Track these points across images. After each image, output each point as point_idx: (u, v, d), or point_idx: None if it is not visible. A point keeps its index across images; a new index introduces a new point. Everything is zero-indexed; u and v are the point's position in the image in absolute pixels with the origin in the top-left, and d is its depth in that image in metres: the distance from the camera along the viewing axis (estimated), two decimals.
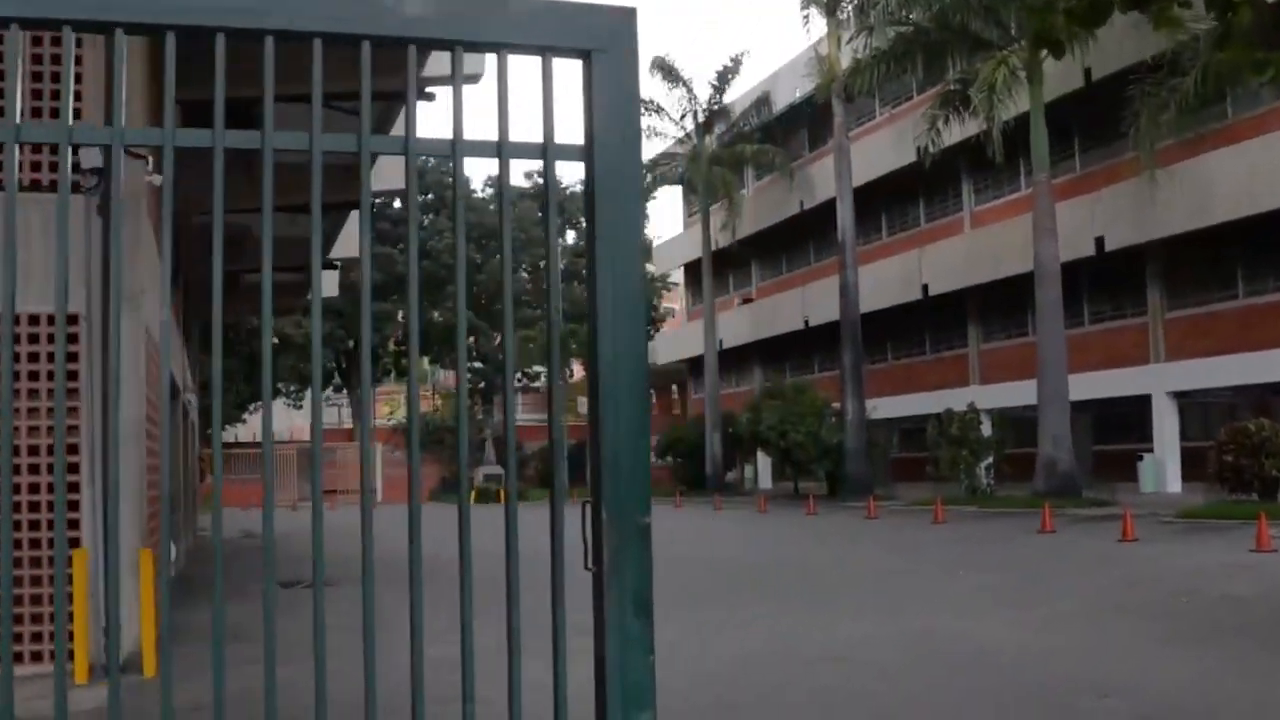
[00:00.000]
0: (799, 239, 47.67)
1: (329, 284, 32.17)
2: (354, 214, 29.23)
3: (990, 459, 30.13)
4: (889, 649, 9.64)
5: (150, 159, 9.62)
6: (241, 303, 32.70)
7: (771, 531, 25.43)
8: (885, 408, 38.05)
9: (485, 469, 49.46)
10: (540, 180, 68.48)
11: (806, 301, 44.53)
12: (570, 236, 68.24)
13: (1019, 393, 33.40)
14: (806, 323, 44.22)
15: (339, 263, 26.79)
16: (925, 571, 15.50)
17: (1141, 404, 31.60)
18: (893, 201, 41.86)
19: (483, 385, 67.99)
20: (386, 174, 19.66)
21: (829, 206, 42.81)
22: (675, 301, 74.31)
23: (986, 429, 30.87)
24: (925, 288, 37.55)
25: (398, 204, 64.22)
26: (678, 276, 71.90)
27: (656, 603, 2.84)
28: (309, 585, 2.95)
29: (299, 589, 15.46)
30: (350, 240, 28.07)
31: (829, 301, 42.44)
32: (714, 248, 46.43)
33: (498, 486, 46.50)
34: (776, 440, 35.72)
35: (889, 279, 39.51)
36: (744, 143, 43.78)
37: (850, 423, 35.00)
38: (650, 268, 67.75)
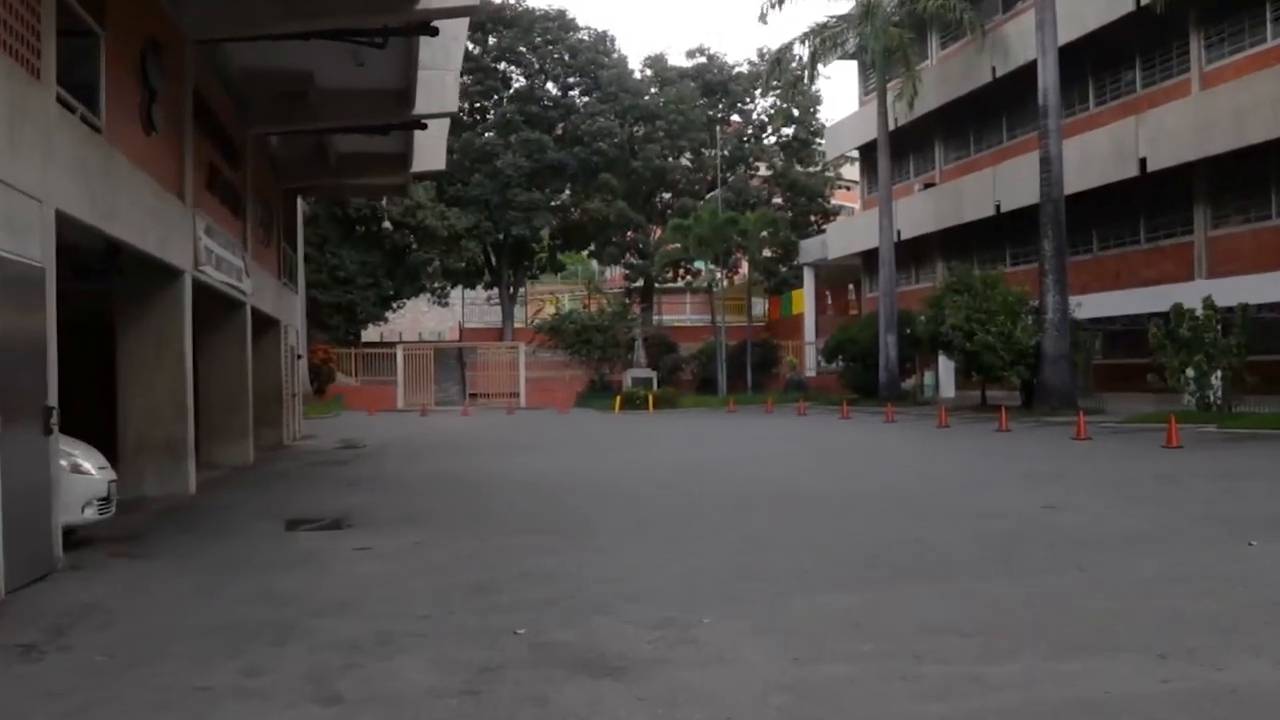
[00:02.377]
0: (990, 113, 41.66)
1: (434, 154, 28.08)
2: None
3: (1225, 367, 24.48)
4: None
5: None
6: (341, 176, 29.04)
7: (951, 454, 20.55)
8: (1089, 306, 32.33)
9: (634, 372, 45.30)
10: (705, 59, 63.85)
11: (998, 184, 38.70)
12: (735, 119, 63.20)
13: (1258, 287, 27.53)
14: (998, 208, 38.44)
15: (426, 123, 22.54)
16: (1211, 535, 10.45)
17: None
18: (1103, 63, 35.56)
19: (640, 282, 63.90)
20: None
21: (1026, 72, 36.73)
22: (852, 199, 68.65)
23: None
24: (1143, 162, 31.46)
25: (550, 85, 60.04)
26: (851, 169, 66.31)
27: None
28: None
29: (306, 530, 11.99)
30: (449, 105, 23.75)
31: (1025, 183, 36.55)
32: (892, 126, 40.74)
33: (646, 392, 42.33)
34: (962, 342, 30.46)
35: (1097, 154, 33.49)
36: None
37: (1050, 322, 29.52)
38: (820, 150, 62.45)
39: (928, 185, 45.67)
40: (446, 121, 28.26)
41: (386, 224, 49.83)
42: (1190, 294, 27.61)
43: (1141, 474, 15.71)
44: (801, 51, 40.15)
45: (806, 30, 39.76)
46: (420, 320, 76.33)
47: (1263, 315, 26.90)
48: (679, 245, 46.75)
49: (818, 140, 62.06)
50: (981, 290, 31.06)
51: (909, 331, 39.08)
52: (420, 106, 22.03)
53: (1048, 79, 29.98)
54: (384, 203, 47.71)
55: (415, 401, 48.01)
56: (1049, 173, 29.76)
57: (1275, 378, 25.66)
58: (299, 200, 33.07)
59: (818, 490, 14.59)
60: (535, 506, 13.92)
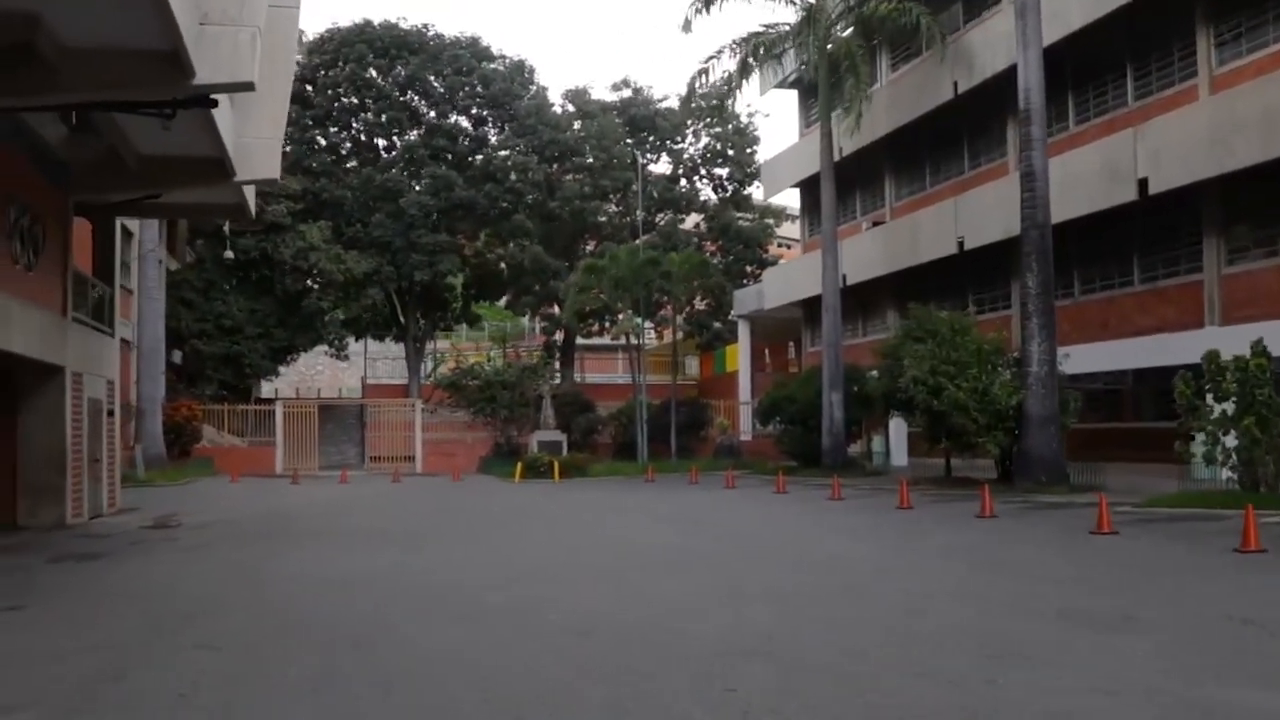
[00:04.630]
0: (949, 138, 36.26)
1: (266, 159, 21.94)
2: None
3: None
4: None
5: None
6: (149, 186, 22.76)
7: (938, 560, 14.37)
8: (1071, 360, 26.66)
9: (541, 434, 39.00)
10: (631, 93, 58.30)
11: (960, 217, 33.17)
12: (663, 161, 57.52)
13: None
14: (960, 245, 32.85)
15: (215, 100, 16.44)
16: None
17: None
18: (1088, 71, 30.19)
19: (559, 336, 57.85)
20: None
21: (994, 86, 31.63)
22: (792, 257, 63.09)
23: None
24: (1143, 183, 25.98)
25: (460, 119, 54.18)
26: (792, 227, 60.88)
27: None
28: None
29: None
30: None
31: (992, 214, 31.20)
32: (837, 157, 35.11)
33: (552, 458, 36.11)
34: (925, 400, 24.57)
35: (1084, 176, 27.99)
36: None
37: (1035, 376, 23.71)
38: (756, 194, 56.99)
39: (876, 224, 40.16)
40: (281, 117, 22.30)
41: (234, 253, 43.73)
42: (1197, 344, 22.09)
43: (1269, 615, 9.74)
44: (730, 65, 34.48)
45: (737, 39, 34.12)
46: (339, 376, 69.95)
47: None
48: (593, 290, 40.62)
49: (754, 183, 56.58)
50: (949, 337, 25.33)
51: (856, 389, 33.35)
52: (205, 75, 15.97)
53: (1030, 78, 24.39)
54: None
55: (301, 465, 41.65)
56: (1032, 192, 24.05)
57: None
58: (118, 223, 26.82)
59: (736, 673, 8.49)
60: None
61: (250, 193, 25.14)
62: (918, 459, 36.21)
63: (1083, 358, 27.11)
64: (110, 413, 24.09)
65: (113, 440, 24.05)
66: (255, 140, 21.34)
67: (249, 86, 16.02)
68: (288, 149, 50.48)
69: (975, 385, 23.94)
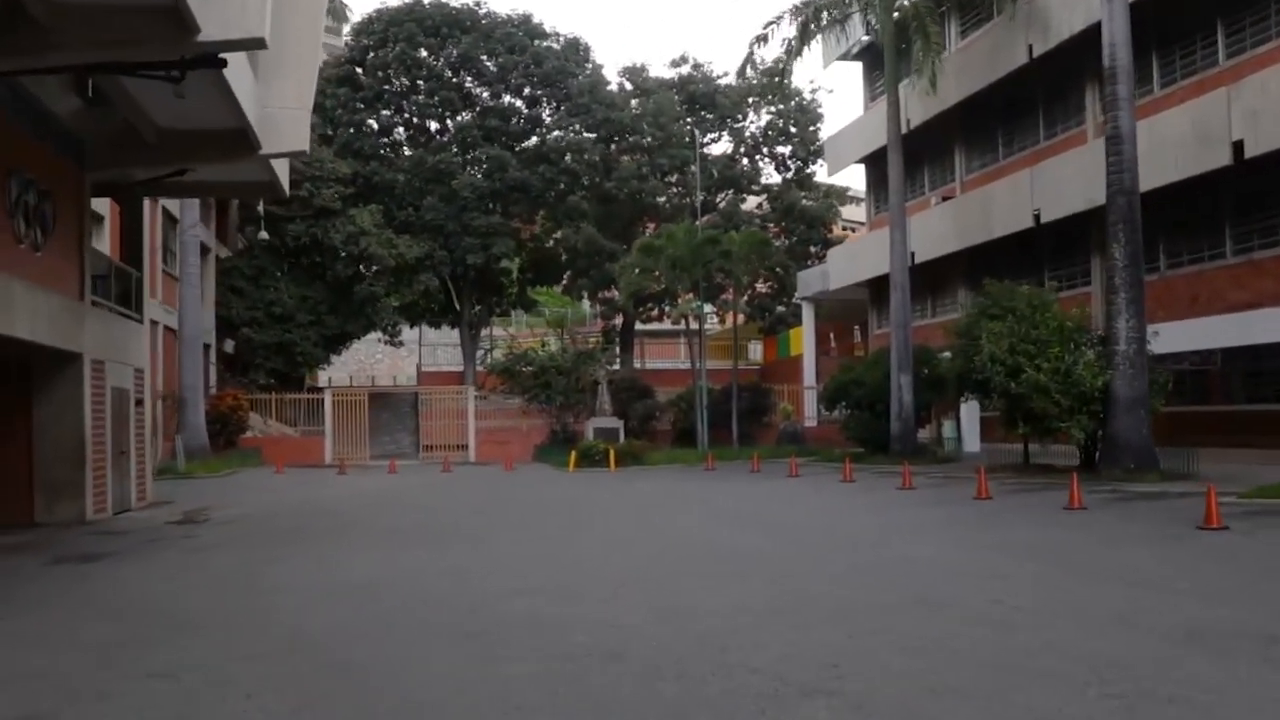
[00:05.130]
0: (1023, 106, 34.30)
1: (293, 131, 20.67)
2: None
3: None
4: None
5: None
6: (172, 161, 21.58)
7: (1037, 580, 12.85)
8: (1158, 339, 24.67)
9: (597, 421, 37.60)
10: (690, 69, 56.61)
11: (1037, 189, 31.26)
12: (724, 141, 55.74)
13: None
14: (1037, 218, 30.96)
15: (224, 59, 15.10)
16: None
17: None
18: (1175, 30, 28.18)
19: (618, 320, 56.46)
20: None
21: (1070, 48, 29.66)
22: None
23: None
24: (1238, 146, 24.02)
25: (513, 99, 52.81)
26: (857, 210, 59.00)
27: None
28: None
29: None
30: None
31: (1072, 184, 29.30)
32: (904, 130, 33.26)
33: (607, 446, 34.67)
34: (1004, 381, 22.79)
35: (1171, 141, 26.01)
36: None
37: (1122, 356, 21.88)
38: (820, 174, 55.15)
39: (945, 198, 38.28)
40: (309, 87, 21.05)
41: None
42: None
43: None
44: (790, 31, 32.73)
45: (799, 2, 32.36)
46: (400, 364, 69.14)
47: None
48: (651, 272, 39.02)
49: (818, 161, 54.67)
50: (1028, 314, 23.53)
51: (926, 371, 31.64)
52: (211, 31, 14.65)
53: (1116, 33, 22.49)
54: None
55: (351, 455, 40.66)
56: (1119, 155, 22.16)
57: None
58: (146, 202, 25.73)
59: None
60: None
61: (284, 169, 23.97)
62: (990, 444, 34.41)
63: (1169, 336, 25.15)
64: (139, 402, 23.00)
65: (141, 431, 22.94)
66: (281, 111, 20.14)
67: (260, 44, 14.72)
68: (334, 131, 49.53)
69: (1057, 365, 22.10)
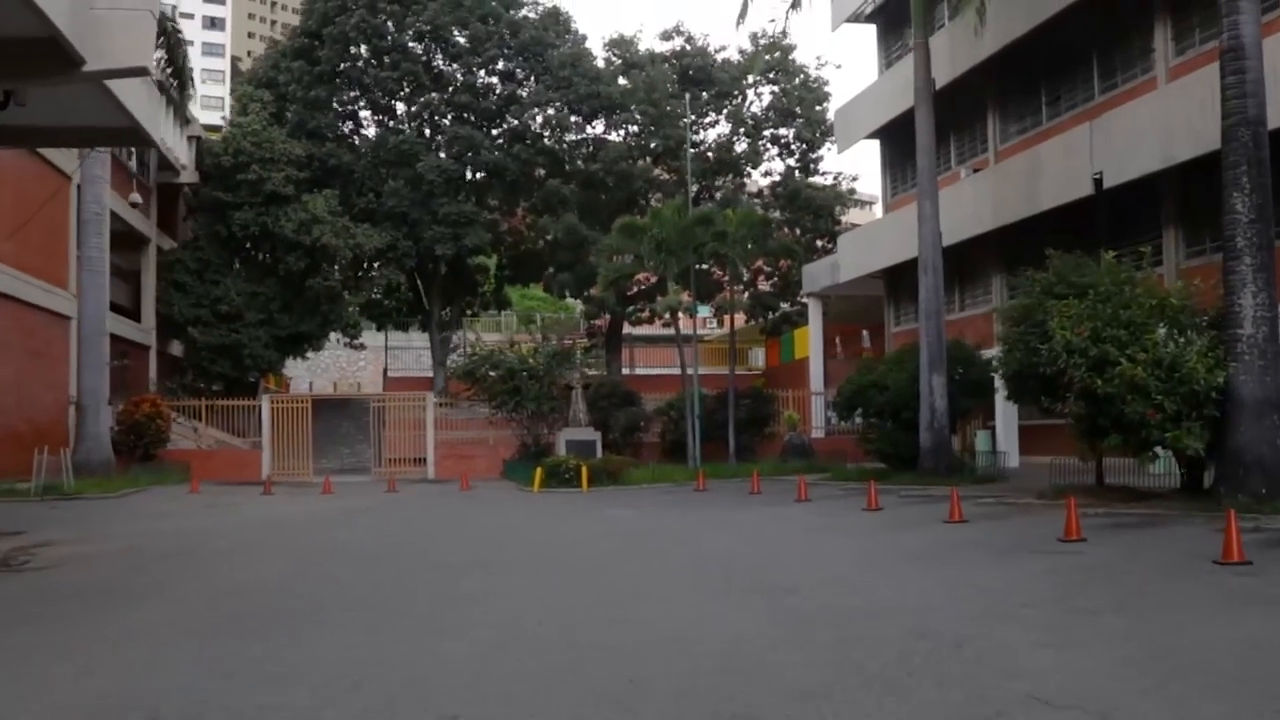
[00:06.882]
0: (1073, 54, 28.80)
1: (131, 43, 15.18)
2: None
3: None
4: None
5: None
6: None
7: None
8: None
9: (569, 433, 31.97)
10: (683, 43, 51.08)
11: (1098, 148, 25.74)
12: (723, 122, 50.11)
13: None
14: (1098, 183, 25.35)
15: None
16: None
17: None
18: None
19: (603, 320, 50.93)
20: None
21: None
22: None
23: None
24: None
25: (486, 76, 47.32)
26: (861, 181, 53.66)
27: None
28: None
29: None
30: None
31: (1146, 139, 23.81)
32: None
33: (579, 461, 29.05)
34: (1086, 378, 17.18)
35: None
36: None
37: (1248, 343, 16.39)
38: (828, 160, 49.68)
39: (976, 170, 32.80)
40: None
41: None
42: None
43: None
44: None
45: None
46: (375, 370, 63.72)
47: None
48: (634, 258, 33.48)
49: (826, 144, 49.21)
50: (1112, 291, 17.98)
51: (962, 372, 26.20)
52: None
53: None
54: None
55: (294, 470, 35.34)
56: (1240, 74, 16.57)
57: None
58: (38, 171, 20.29)
59: None
60: None
61: (155, 108, 18.58)
62: (1028, 457, 29.09)
63: None
64: None
65: None
66: (111, 13, 14.62)
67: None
68: (288, 110, 44.25)
69: (1160, 356, 16.53)
